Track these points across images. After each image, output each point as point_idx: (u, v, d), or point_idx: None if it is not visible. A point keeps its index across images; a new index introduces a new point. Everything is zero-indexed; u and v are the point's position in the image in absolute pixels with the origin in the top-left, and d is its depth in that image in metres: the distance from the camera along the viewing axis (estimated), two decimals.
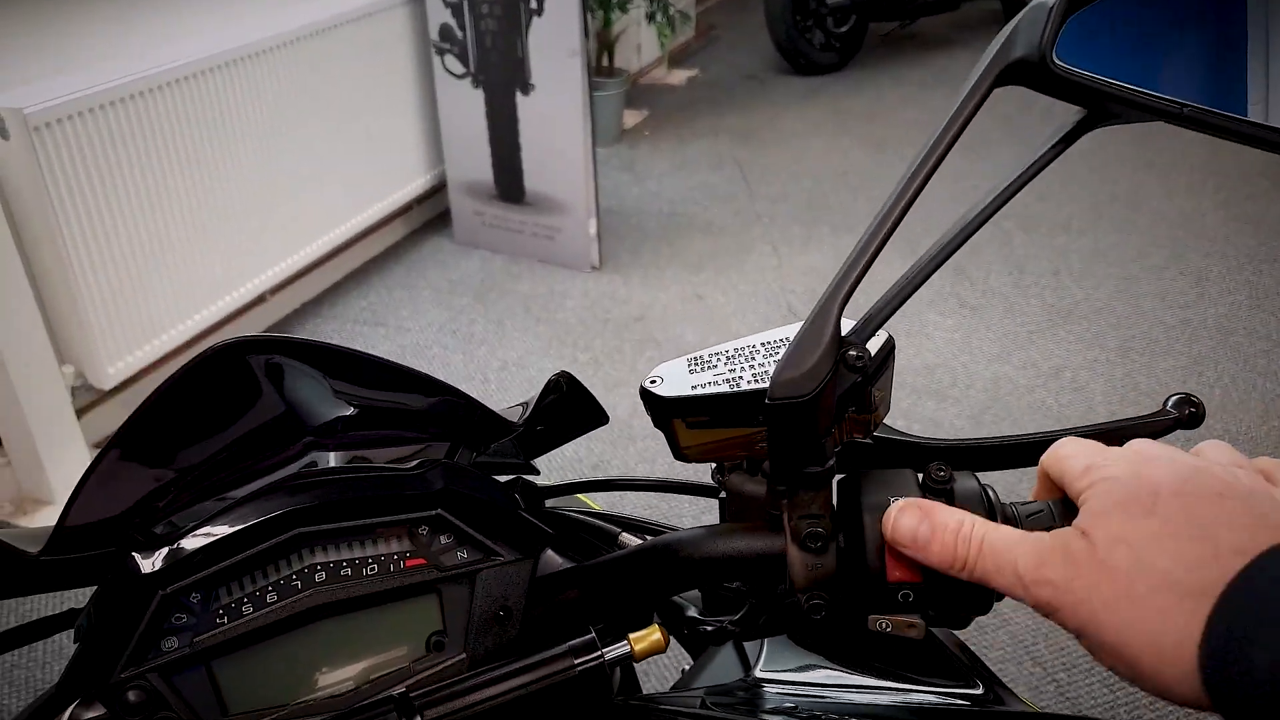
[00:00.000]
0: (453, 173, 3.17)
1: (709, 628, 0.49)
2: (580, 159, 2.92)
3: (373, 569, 0.44)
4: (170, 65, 2.18)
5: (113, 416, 2.34)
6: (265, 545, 0.43)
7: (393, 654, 0.45)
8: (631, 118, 4.41)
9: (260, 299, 2.67)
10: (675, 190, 3.69)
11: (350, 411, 0.47)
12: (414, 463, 0.47)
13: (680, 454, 0.46)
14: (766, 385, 0.43)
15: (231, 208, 2.44)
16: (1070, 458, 0.40)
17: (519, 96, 2.91)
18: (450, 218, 3.28)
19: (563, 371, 0.51)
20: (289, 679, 0.44)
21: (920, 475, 0.44)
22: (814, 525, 0.43)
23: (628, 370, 2.57)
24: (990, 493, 0.44)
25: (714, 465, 0.49)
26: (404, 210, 3.23)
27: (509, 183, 3.08)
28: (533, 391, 0.52)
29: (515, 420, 0.50)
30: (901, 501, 0.41)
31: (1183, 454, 0.37)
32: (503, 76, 2.91)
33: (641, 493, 0.60)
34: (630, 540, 0.54)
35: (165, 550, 0.42)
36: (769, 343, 0.45)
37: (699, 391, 0.43)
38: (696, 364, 0.45)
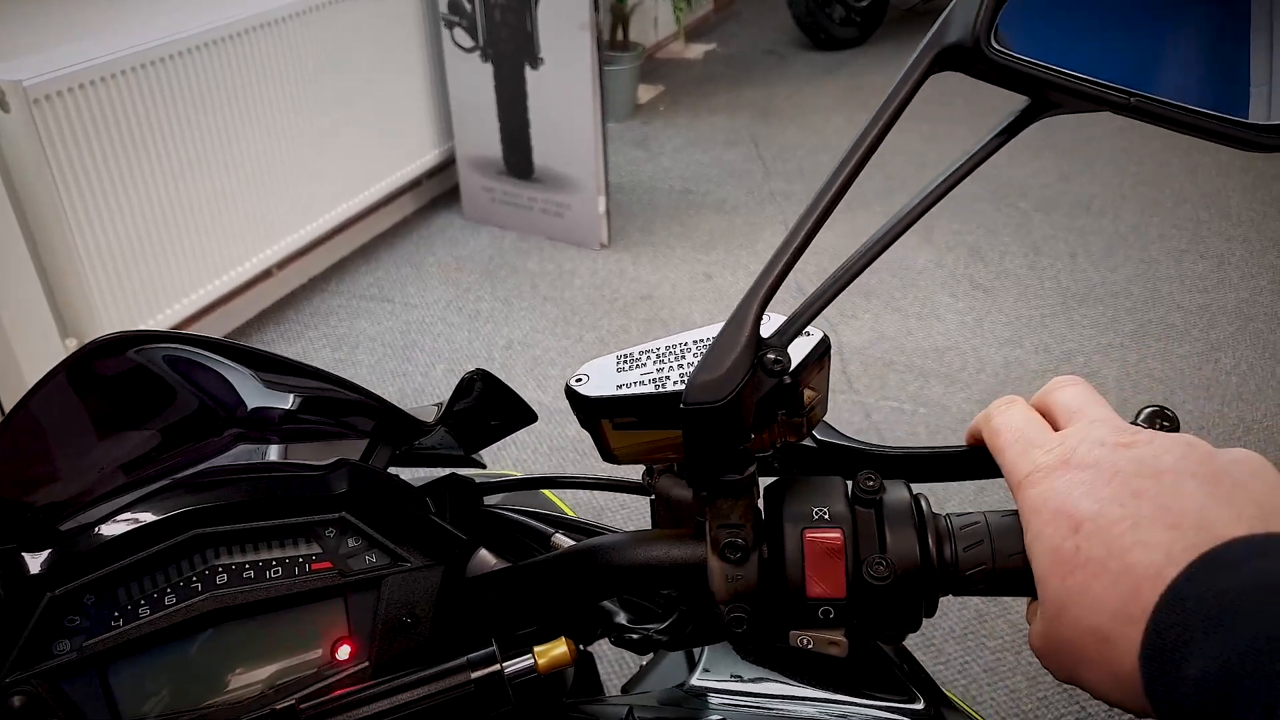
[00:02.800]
0: (462, 148, 3.15)
1: (634, 636, 0.48)
2: (590, 135, 2.88)
3: (277, 572, 0.42)
4: (173, 38, 2.16)
5: None
6: (162, 546, 0.41)
7: (296, 660, 0.43)
8: (646, 92, 4.35)
9: (267, 274, 2.66)
10: (688, 167, 3.65)
11: (263, 404, 0.46)
12: (327, 462, 0.46)
13: (609, 455, 0.44)
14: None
15: (237, 181, 2.43)
16: (1004, 435, 0.41)
17: (528, 71, 2.88)
18: (459, 193, 3.26)
19: (478, 369, 0.49)
20: (187, 685, 0.42)
21: (849, 484, 0.42)
22: (733, 535, 0.41)
23: None
24: (922, 504, 0.42)
25: (644, 467, 0.47)
26: (413, 185, 3.21)
27: (518, 158, 3.05)
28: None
29: (429, 420, 0.48)
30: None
31: (1109, 445, 0.36)
32: (512, 50, 2.87)
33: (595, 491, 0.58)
34: (563, 541, 0.52)
35: (56, 549, 0.41)
36: (701, 340, 0.43)
37: (624, 392, 0.41)
38: (625, 362, 0.43)
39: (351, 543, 0.43)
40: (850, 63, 4.74)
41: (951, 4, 0.39)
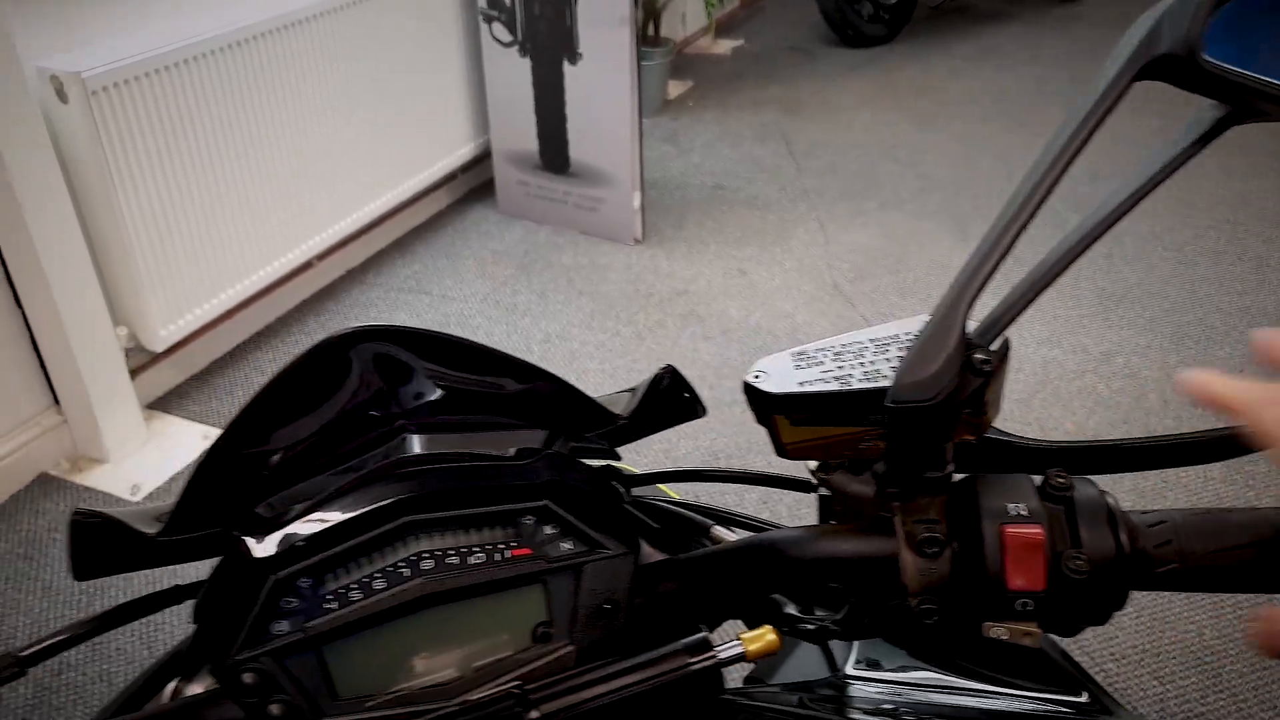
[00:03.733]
0: (497, 142, 3.16)
1: (810, 626, 0.49)
2: (627, 130, 2.89)
3: (479, 558, 0.44)
4: (223, 30, 2.18)
5: (163, 378, 2.38)
6: (376, 532, 0.43)
7: (497, 643, 0.45)
8: (675, 88, 4.36)
9: (307, 265, 2.68)
10: (719, 163, 3.65)
11: (444, 395, 0.47)
12: (512, 451, 0.47)
13: (782, 450, 0.45)
14: (877, 385, 0.42)
15: (280, 174, 2.45)
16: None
17: (566, 66, 2.89)
18: (494, 187, 3.27)
19: (669, 366, 0.50)
20: (396, 666, 0.44)
21: (1038, 480, 0.43)
22: (930, 530, 0.42)
23: (670, 344, 2.56)
24: (1109, 500, 0.43)
25: (813, 463, 0.48)
26: (448, 179, 3.23)
27: (554, 153, 3.06)
28: (638, 380, 0.51)
29: (618, 412, 0.50)
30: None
31: None
32: (550, 45, 2.88)
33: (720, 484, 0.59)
34: (723, 534, 0.54)
35: (278, 535, 0.42)
36: (879, 340, 0.44)
37: (806, 389, 0.42)
38: (802, 359, 0.44)
39: (548, 530, 0.45)
40: (878, 60, 4.73)
41: (1157, 13, 0.40)
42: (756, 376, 0.43)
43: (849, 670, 0.57)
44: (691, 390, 0.50)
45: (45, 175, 1.87)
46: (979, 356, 0.40)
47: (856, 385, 0.42)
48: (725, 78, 4.55)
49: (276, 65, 2.35)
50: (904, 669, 0.56)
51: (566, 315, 2.71)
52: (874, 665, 0.56)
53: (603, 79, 2.85)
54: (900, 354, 0.43)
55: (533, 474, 0.45)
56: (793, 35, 5.12)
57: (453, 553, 0.43)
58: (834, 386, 0.42)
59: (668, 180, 3.50)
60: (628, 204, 3.01)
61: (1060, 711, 0.54)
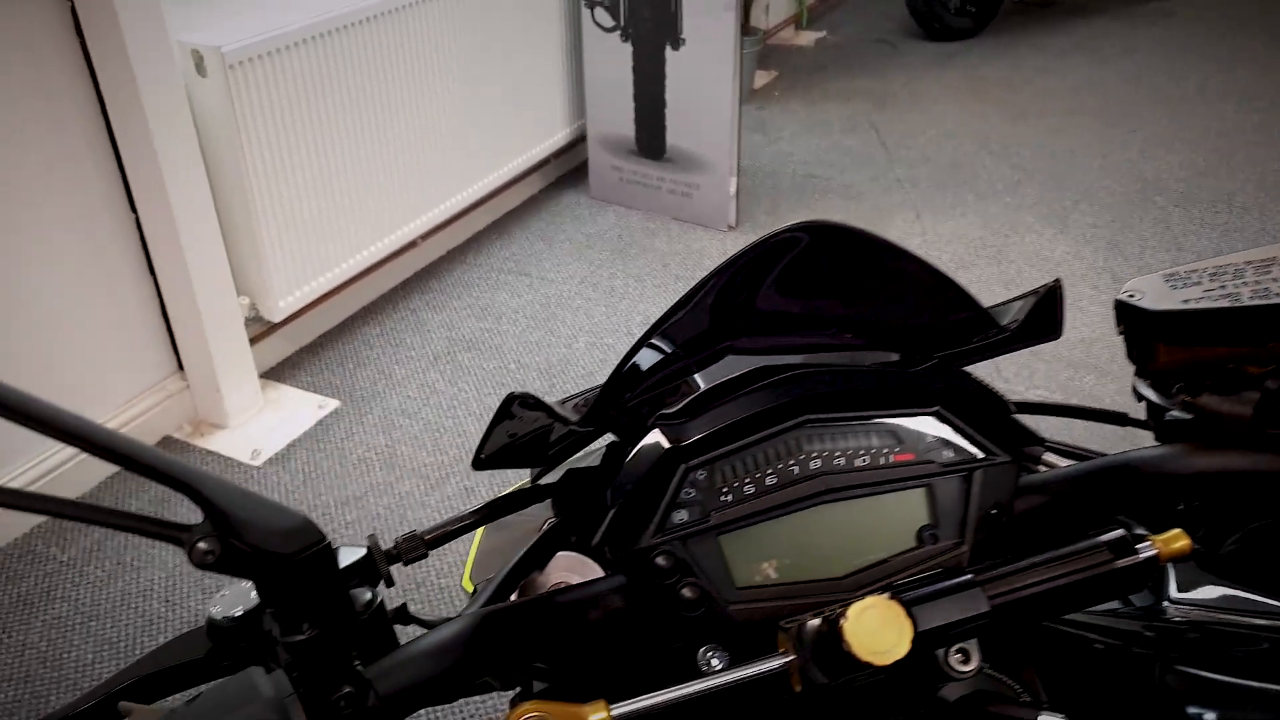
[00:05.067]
0: (593, 127, 3.18)
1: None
2: (726, 116, 2.89)
3: (864, 460, 0.45)
4: (349, 8, 2.23)
5: (277, 349, 2.44)
6: (774, 430, 0.44)
7: (881, 543, 0.45)
8: (760, 78, 4.35)
9: (411, 244, 2.73)
10: (809, 151, 3.64)
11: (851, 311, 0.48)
12: (894, 358, 0.48)
13: (1146, 368, 0.45)
14: (1270, 301, 0.42)
15: (393, 153, 2.50)
16: None
17: (668, 51, 2.89)
18: (586, 172, 3.29)
19: (1057, 279, 0.50)
20: (786, 559, 0.45)
21: None
22: None
23: None
24: None
25: (1146, 387, 0.48)
26: (542, 164, 3.26)
27: (650, 138, 3.07)
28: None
29: (1004, 324, 0.49)
30: None
31: None
32: (653, 30, 2.89)
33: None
34: (1056, 460, 0.54)
35: (686, 426, 0.44)
36: (1255, 261, 0.44)
37: (1190, 306, 0.42)
38: (1176, 280, 0.44)
39: (930, 437, 0.45)
40: (965, 54, 4.67)
41: None
42: (1131, 295, 0.44)
43: (1172, 594, 0.56)
44: (1062, 310, 0.50)
45: (185, 147, 1.93)
46: None
47: (1248, 302, 0.42)
48: (810, 69, 4.53)
49: (394, 45, 2.40)
50: (1227, 596, 0.56)
51: (664, 299, 2.72)
52: (1196, 592, 0.56)
53: (706, 64, 2.85)
54: None
55: (926, 380, 0.46)
56: (875, 28, 5.08)
57: (840, 454, 0.44)
58: (1223, 304, 0.43)
59: (758, 168, 3.50)
60: (724, 190, 3.01)
61: None
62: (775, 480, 0.44)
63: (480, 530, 0.56)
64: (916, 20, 4.81)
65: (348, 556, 0.45)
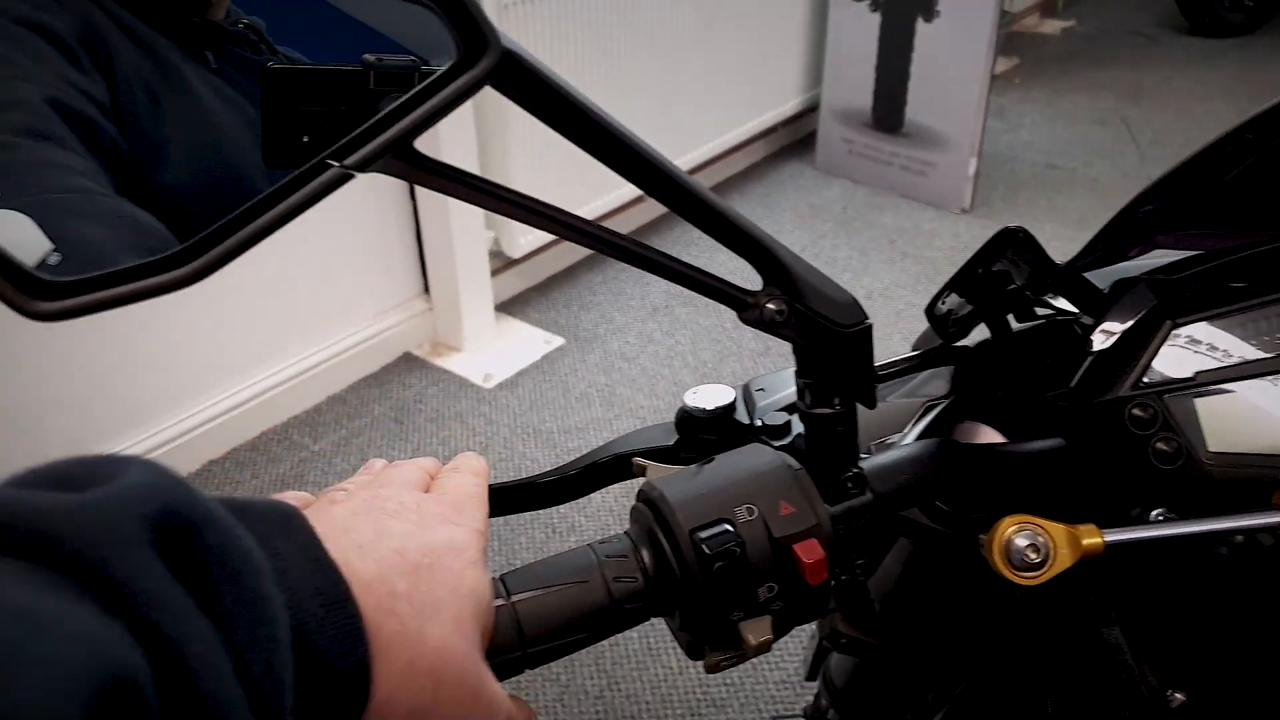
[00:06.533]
0: (828, 97, 3.13)
1: None
2: (975, 94, 2.78)
3: None
4: None
5: (511, 284, 2.55)
6: (1269, 299, 0.42)
7: None
8: (1000, 64, 4.14)
9: (637, 199, 2.78)
10: (1050, 141, 3.44)
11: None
12: None
13: None
14: None
15: (634, 104, 2.55)
16: None
17: (920, 23, 2.80)
18: (813, 143, 3.25)
19: None
20: (1265, 428, 0.43)
21: None
22: None
23: None
24: None
25: None
26: (769, 131, 3.24)
27: (888, 112, 2.99)
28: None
29: None
30: None
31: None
32: (907, 1, 2.81)
33: None
34: None
35: (1176, 283, 0.43)
36: None
37: None
38: None
39: None
40: (1234, 51, 4.27)
41: None
42: None
43: None
44: None
45: None
46: None
47: None
48: (1054, 58, 4.27)
49: (634, 2, 2.44)
50: None
51: (889, 275, 2.65)
52: None
53: (958, 38, 2.74)
54: None
55: None
56: (1131, 19, 4.72)
57: None
58: None
59: (995, 153, 3.34)
60: (961, 170, 2.89)
61: None
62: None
63: None
64: (1183, 13, 4.44)
65: None
